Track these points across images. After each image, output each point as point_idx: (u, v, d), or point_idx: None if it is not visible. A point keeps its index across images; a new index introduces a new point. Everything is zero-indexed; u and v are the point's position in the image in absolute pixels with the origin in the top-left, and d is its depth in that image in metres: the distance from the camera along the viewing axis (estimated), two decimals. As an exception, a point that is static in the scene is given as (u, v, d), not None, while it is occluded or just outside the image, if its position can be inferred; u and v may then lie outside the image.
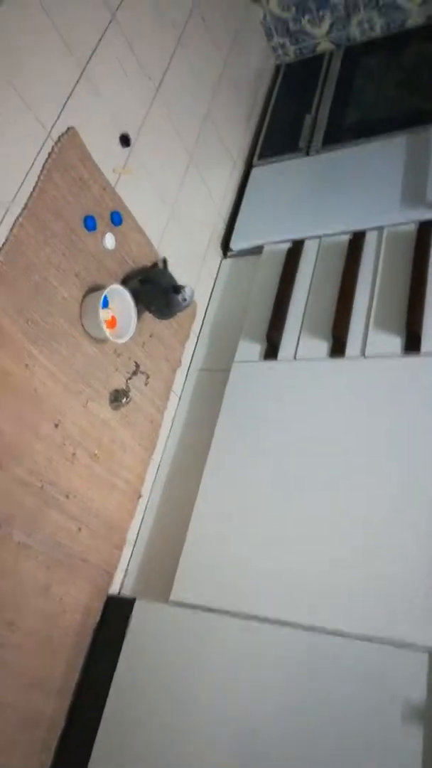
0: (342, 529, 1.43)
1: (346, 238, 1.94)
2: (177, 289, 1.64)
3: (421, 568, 1.31)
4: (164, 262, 1.82)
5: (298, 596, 1.38)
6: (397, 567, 1.33)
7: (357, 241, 1.90)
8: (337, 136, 2.23)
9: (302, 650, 1.32)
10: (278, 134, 2.37)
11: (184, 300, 1.65)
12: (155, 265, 1.80)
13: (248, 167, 2.35)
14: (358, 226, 1.94)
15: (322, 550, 1.42)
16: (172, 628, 1.44)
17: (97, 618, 1.50)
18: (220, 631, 1.40)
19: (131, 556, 1.65)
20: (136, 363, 1.71)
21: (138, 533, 1.68)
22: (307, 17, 2.47)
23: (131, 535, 1.66)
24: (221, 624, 1.40)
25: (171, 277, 1.74)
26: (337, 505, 1.47)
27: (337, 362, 1.70)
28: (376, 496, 1.44)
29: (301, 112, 2.38)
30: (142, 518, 1.71)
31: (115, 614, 1.51)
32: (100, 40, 1.63)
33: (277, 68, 2.64)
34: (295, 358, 1.77)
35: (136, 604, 1.49)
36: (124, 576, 1.62)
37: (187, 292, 1.64)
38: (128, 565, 1.63)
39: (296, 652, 1.32)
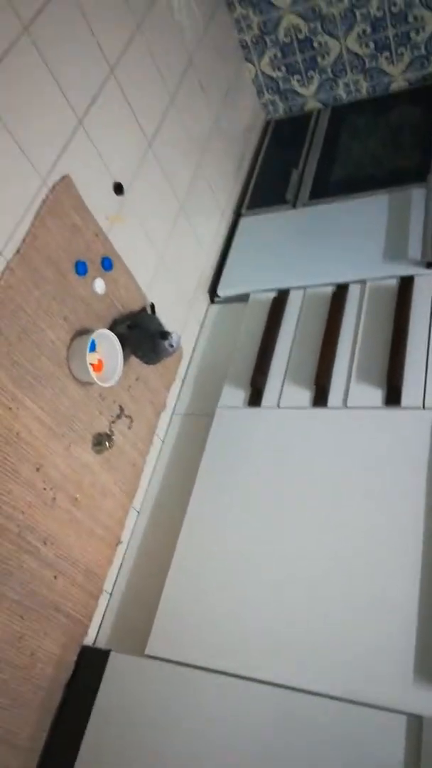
0: (323, 586, 1.42)
1: (330, 289, 1.99)
2: (164, 335, 1.66)
3: (402, 630, 1.31)
4: (152, 307, 1.84)
5: (277, 655, 1.36)
6: (378, 628, 1.33)
7: (340, 293, 1.95)
8: (323, 190, 2.31)
9: (278, 709, 1.30)
10: (266, 186, 2.45)
11: (171, 346, 1.66)
12: (143, 309, 1.82)
13: (237, 216, 2.41)
14: (341, 279, 1.99)
15: (303, 608, 1.41)
16: (147, 682, 1.41)
17: (70, 672, 1.45)
18: (197, 687, 1.37)
19: (107, 605, 1.61)
20: (120, 406, 1.71)
21: (115, 582, 1.65)
22: (296, 77, 2.59)
23: (108, 584, 1.63)
24: (198, 680, 1.37)
25: (159, 323, 1.75)
26: (318, 560, 1.46)
27: (320, 411, 1.72)
28: (358, 551, 1.44)
29: (288, 165, 2.46)
30: (120, 566, 1.68)
31: (89, 666, 1.46)
32: (98, 92, 1.69)
33: (267, 123, 2.75)
34: (278, 405, 1.79)
35: (111, 657, 1.45)
36: (100, 626, 1.58)
37: (174, 339, 1.66)
38: (104, 614, 1.59)
39: (272, 711, 1.30)
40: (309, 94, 2.63)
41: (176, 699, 1.36)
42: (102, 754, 1.34)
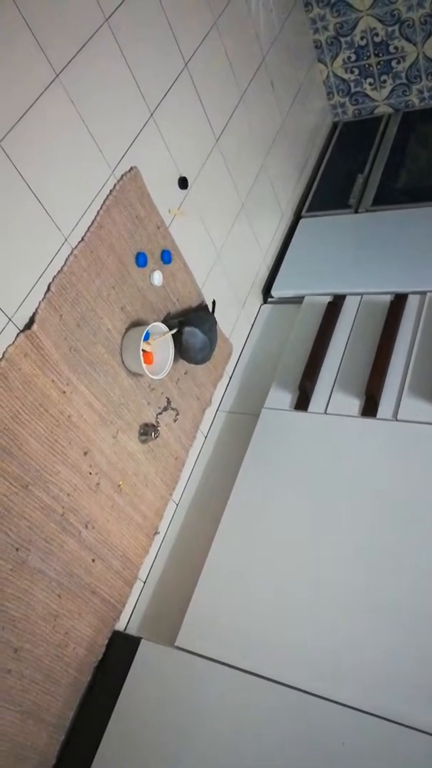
0: (359, 598, 1.40)
1: (387, 298, 1.95)
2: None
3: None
4: (213, 304, 1.84)
5: (308, 662, 1.35)
6: (415, 647, 1.30)
7: (398, 302, 1.91)
8: (387, 197, 2.27)
9: (305, 716, 1.28)
10: (329, 189, 2.42)
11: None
12: (203, 306, 1.83)
13: (296, 218, 2.39)
14: (400, 288, 1.95)
15: (340, 618, 1.39)
16: (174, 673, 1.42)
17: (100, 656, 1.48)
18: (223, 684, 1.37)
19: (140, 593, 1.63)
20: (167, 399, 1.72)
21: (149, 571, 1.67)
22: (368, 81, 2.54)
23: (143, 573, 1.65)
24: (225, 676, 1.37)
25: (211, 324, 1.74)
26: (358, 573, 1.43)
27: (368, 422, 1.69)
28: (399, 569, 1.41)
29: (353, 169, 2.43)
30: (156, 556, 1.69)
31: (119, 651, 1.48)
32: (170, 87, 1.70)
33: (335, 125, 2.71)
34: (325, 412, 1.77)
35: (142, 644, 1.47)
36: (131, 613, 1.60)
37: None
38: (136, 602, 1.61)
39: (298, 717, 1.29)
40: (380, 99, 2.59)
41: (202, 692, 1.37)
42: (127, 736, 1.36)
